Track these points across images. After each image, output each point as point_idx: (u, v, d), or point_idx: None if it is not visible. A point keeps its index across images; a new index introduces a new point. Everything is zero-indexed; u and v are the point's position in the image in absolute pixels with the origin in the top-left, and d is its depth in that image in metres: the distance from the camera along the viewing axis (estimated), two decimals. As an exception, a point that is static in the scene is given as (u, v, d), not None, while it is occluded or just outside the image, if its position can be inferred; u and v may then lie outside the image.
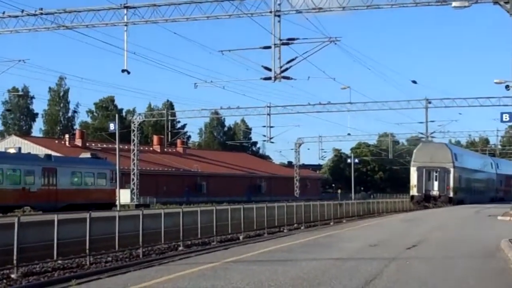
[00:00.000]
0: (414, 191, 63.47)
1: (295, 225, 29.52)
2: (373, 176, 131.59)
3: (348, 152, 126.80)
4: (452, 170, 63.39)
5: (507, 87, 41.28)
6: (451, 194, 63.44)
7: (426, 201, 62.26)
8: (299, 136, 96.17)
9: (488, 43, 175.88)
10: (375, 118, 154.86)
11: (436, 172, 63.29)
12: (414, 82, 57.71)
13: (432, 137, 72.83)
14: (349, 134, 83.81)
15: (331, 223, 32.91)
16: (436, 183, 63.26)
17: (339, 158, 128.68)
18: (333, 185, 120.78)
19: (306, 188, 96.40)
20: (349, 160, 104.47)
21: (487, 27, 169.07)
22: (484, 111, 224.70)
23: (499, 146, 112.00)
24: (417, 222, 33.30)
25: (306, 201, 35.46)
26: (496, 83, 44.27)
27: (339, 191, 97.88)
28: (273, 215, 27.59)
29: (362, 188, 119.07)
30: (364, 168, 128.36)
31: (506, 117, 43.35)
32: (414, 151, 67.27)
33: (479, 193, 74.27)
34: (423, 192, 62.59)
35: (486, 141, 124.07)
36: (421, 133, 71.27)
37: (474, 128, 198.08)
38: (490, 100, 60.85)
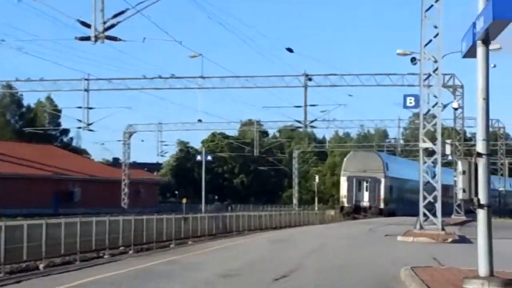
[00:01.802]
0: (344, 202, 79.33)
1: (121, 248, 29.44)
2: (232, 180, 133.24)
3: (198, 146, 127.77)
4: (383, 180, 78.97)
5: (413, 59, 42.75)
6: (382, 205, 78.98)
7: (356, 212, 77.40)
8: (129, 122, 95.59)
9: (388, 9, 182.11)
10: (236, 99, 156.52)
11: (366, 182, 78.38)
12: (290, 50, 56.61)
13: (312, 126, 75.98)
14: (200, 120, 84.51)
15: (172, 245, 33.07)
16: (366, 194, 78.57)
17: (186, 154, 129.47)
18: (177, 192, 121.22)
19: (138, 196, 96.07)
20: (199, 157, 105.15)
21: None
22: (382, 92, 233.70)
23: (401, 141, 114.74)
24: (291, 243, 33.98)
25: (137, 215, 35.34)
26: (399, 54, 45.85)
27: (184, 200, 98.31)
28: (89, 234, 27.30)
29: (216, 197, 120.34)
30: (220, 169, 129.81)
31: (410, 101, 40.75)
32: (344, 159, 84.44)
33: (412, 204, 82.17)
34: (353, 203, 78.12)
35: (384, 134, 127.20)
36: (298, 121, 71.89)
37: (368, 116, 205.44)
38: (390, 77, 61.04)
